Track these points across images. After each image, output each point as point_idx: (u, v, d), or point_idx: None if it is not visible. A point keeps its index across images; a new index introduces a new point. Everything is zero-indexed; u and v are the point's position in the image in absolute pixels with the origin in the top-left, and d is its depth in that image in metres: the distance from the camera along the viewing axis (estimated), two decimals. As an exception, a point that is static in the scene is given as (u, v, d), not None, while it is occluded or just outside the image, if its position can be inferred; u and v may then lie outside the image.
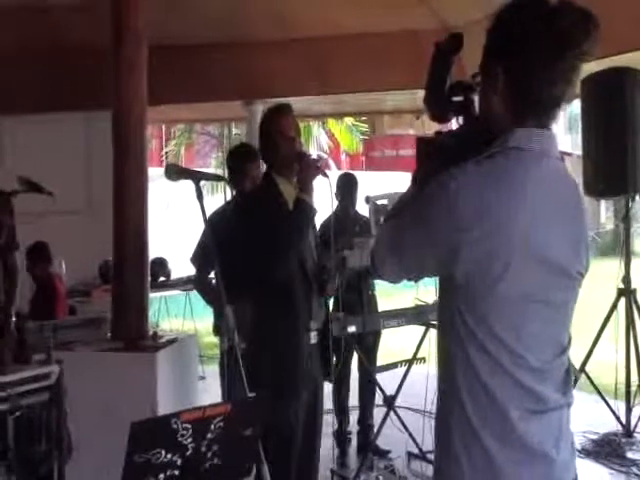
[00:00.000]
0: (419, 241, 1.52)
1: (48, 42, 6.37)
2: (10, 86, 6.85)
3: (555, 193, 1.52)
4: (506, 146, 1.49)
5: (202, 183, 2.76)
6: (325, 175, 3.04)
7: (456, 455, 1.50)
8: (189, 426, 2.08)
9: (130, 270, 4.09)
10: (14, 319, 3.78)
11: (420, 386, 4.48)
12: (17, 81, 6.82)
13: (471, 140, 1.60)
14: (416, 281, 1.74)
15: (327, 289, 3.13)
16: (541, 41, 1.44)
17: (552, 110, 1.51)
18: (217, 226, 3.16)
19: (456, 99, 1.67)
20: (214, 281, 4.12)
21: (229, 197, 4.34)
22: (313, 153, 16.42)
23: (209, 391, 5.40)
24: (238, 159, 4.12)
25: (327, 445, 3.45)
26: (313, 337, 3.08)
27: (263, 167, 3.34)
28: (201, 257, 4.11)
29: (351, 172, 6.36)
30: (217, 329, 4.16)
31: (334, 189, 4.98)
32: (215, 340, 4.38)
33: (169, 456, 2.05)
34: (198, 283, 4.36)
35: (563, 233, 1.52)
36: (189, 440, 2.09)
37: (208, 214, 2.84)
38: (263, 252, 2.90)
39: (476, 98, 1.63)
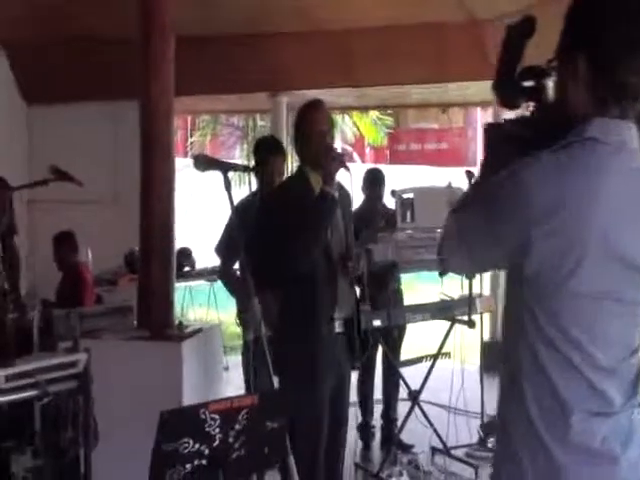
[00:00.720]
0: (490, 233, 1.47)
1: (78, 33, 6.41)
2: (40, 76, 6.92)
3: (635, 188, 1.44)
4: (584, 136, 1.42)
5: (230, 174, 2.77)
6: (347, 169, 3.06)
7: (517, 456, 1.46)
8: (217, 417, 2.09)
9: (156, 261, 4.11)
10: (39, 307, 3.82)
11: (445, 381, 4.47)
12: (47, 71, 6.89)
13: (543, 128, 1.54)
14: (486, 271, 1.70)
15: (349, 269, 3.10)
16: (626, 26, 1.38)
17: (635, 101, 1.43)
18: (242, 217, 3.18)
19: (527, 84, 1.60)
20: (238, 272, 4.14)
21: (255, 188, 4.34)
22: (338, 147, 16.40)
23: (232, 382, 5.42)
24: (264, 151, 4.12)
25: (351, 438, 3.45)
26: (338, 326, 3.08)
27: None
28: (226, 248, 4.11)
29: (378, 167, 6.33)
30: (240, 320, 4.17)
31: (361, 183, 4.99)
32: (239, 330, 4.39)
33: (197, 446, 2.06)
34: (222, 274, 4.36)
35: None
36: (217, 430, 2.10)
37: (235, 204, 2.85)
38: (288, 241, 2.91)
39: (550, 84, 1.57)
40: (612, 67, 1.39)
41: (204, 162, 2.81)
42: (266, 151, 4.11)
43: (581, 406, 1.42)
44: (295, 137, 3.22)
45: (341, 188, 3.13)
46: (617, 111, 1.42)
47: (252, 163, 4.27)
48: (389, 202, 4.87)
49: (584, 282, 1.39)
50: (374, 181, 5.05)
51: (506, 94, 1.63)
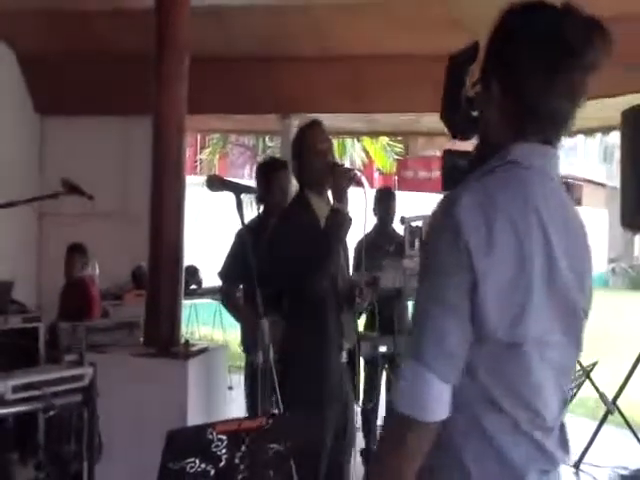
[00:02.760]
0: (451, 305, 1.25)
1: (93, 47, 6.47)
2: (55, 89, 6.98)
3: (561, 216, 1.35)
4: (506, 160, 1.34)
5: (242, 196, 2.78)
6: (360, 184, 3.00)
7: None
8: (224, 437, 2.09)
9: (165, 278, 4.12)
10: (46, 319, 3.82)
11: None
12: (61, 84, 6.94)
13: (475, 158, 1.45)
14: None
15: (356, 303, 3.07)
16: (542, 49, 1.32)
17: (555, 126, 1.37)
18: (248, 240, 3.14)
19: (475, 114, 1.48)
20: (241, 296, 4.08)
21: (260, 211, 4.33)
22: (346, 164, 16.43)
23: (236, 401, 5.40)
24: (265, 169, 4.12)
25: (354, 463, 3.42)
26: (344, 356, 3.07)
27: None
28: (229, 271, 4.01)
29: (389, 187, 6.33)
30: (245, 344, 4.12)
31: (371, 204, 5.00)
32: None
33: (203, 466, 2.06)
34: (226, 298, 4.20)
35: (571, 264, 1.33)
36: (223, 451, 2.09)
37: (239, 228, 2.84)
38: (295, 270, 2.90)
39: None
40: (525, 92, 1.34)
41: (217, 183, 2.82)
42: (268, 169, 4.10)
43: (534, 467, 1.31)
44: (295, 160, 3.15)
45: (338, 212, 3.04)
46: (538, 136, 1.36)
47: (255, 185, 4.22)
48: (398, 228, 4.88)
49: (529, 327, 1.26)
50: (385, 201, 5.06)
51: (454, 124, 1.56)
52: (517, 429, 1.29)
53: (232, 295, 4.11)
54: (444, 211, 1.29)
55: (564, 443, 1.39)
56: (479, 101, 1.43)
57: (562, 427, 1.40)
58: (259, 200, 4.07)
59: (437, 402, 1.24)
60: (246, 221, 3.93)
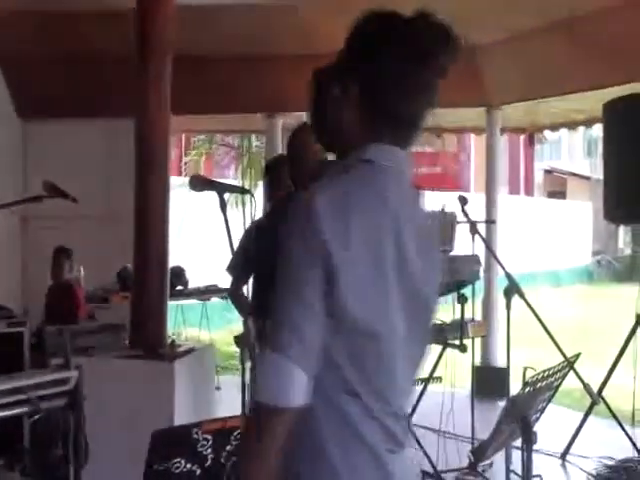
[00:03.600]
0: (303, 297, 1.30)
1: (75, 50, 6.45)
2: (36, 92, 6.95)
3: (415, 215, 1.44)
4: (361, 159, 1.40)
5: (226, 195, 2.78)
6: None
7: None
8: (210, 437, 2.09)
9: (150, 280, 4.12)
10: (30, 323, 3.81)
11: (436, 405, 4.47)
12: (43, 88, 6.91)
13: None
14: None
15: None
16: (395, 54, 1.38)
17: (408, 129, 1.43)
18: (256, 237, 3.15)
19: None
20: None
21: (252, 210, 4.32)
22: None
23: (224, 401, 5.40)
24: (277, 167, 4.12)
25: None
26: None
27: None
28: (236, 266, 4.03)
29: None
30: (240, 339, 4.11)
31: None
32: (231, 350, 4.37)
33: (189, 466, 2.06)
34: (232, 292, 4.23)
35: (422, 263, 1.41)
36: (209, 451, 2.10)
37: (246, 225, 2.84)
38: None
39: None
40: (379, 95, 1.40)
41: (200, 183, 2.82)
42: (280, 166, 4.11)
43: (381, 445, 1.39)
44: (289, 161, 3.21)
45: None
46: (391, 139, 1.41)
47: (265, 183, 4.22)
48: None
49: (386, 320, 1.34)
50: None
51: (323, 138, 1.59)
52: (371, 415, 1.36)
53: (239, 289, 4.12)
54: (301, 208, 1.33)
55: (406, 431, 1.48)
56: (336, 103, 1.46)
57: (407, 417, 1.50)
58: (268, 198, 4.07)
59: (298, 390, 1.29)
60: (254, 219, 3.98)
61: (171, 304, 6.11)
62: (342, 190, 1.34)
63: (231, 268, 4.08)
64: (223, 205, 2.74)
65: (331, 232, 1.29)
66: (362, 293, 1.30)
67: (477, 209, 5.87)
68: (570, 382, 3.48)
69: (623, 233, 24.08)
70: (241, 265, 3.92)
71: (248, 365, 2.80)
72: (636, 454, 4.91)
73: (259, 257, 2.81)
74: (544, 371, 2.53)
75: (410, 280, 1.38)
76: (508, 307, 4.36)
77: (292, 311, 1.30)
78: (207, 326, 7.30)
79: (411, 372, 1.48)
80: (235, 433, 2.15)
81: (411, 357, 1.44)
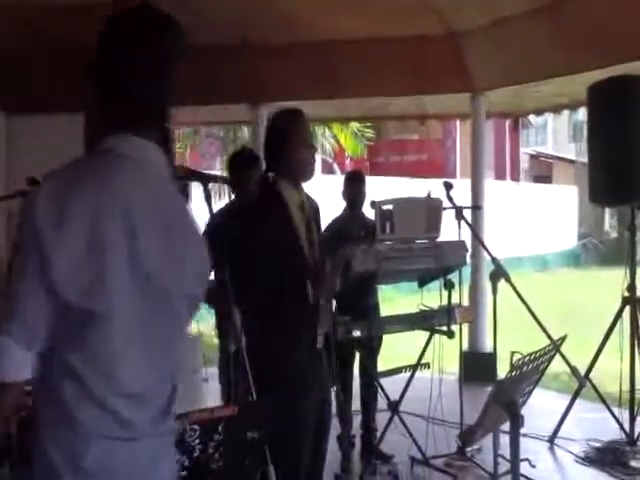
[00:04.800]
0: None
1: (58, 43, 6.38)
2: (18, 86, 6.88)
3: (160, 205, 1.49)
4: (100, 149, 1.49)
5: (209, 185, 2.77)
6: None
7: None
8: (197, 427, 2.09)
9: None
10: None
11: (424, 391, 4.49)
12: (27, 82, 6.85)
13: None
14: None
15: (316, 288, 3.02)
16: (129, 51, 1.51)
17: (148, 120, 1.53)
18: (218, 228, 3.11)
19: None
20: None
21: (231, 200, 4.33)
22: (317, 158, 16.37)
23: (211, 393, 5.40)
24: (241, 165, 4.12)
25: (330, 449, 3.44)
26: (320, 341, 3.08)
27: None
28: None
29: (358, 170, 6.29)
30: (220, 330, 4.13)
31: (341, 188, 5.00)
32: (217, 342, 4.37)
33: (177, 456, 2.06)
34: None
35: (167, 250, 1.48)
36: (197, 442, 2.10)
37: (209, 217, 2.83)
38: (270, 259, 2.90)
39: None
40: (121, 88, 1.51)
41: (184, 173, 2.80)
42: (243, 165, 4.10)
43: (102, 434, 1.41)
44: (274, 145, 3.08)
45: (309, 199, 3.10)
46: (135, 131, 1.50)
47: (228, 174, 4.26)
48: (369, 213, 4.89)
49: (105, 300, 1.39)
50: (355, 180, 5.04)
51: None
52: (90, 395, 1.40)
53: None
54: (30, 196, 1.43)
55: (164, 414, 1.51)
56: (90, 98, 1.57)
57: (170, 399, 1.54)
58: (234, 189, 4.08)
59: (15, 365, 1.38)
60: (215, 210, 3.97)
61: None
62: (64, 177, 1.45)
63: None
64: (207, 195, 2.74)
65: (44, 217, 1.37)
66: (73, 273, 1.36)
67: (463, 195, 5.88)
68: (557, 366, 3.50)
69: (609, 217, 24.21)
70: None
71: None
72: (623, 436, 4.96)
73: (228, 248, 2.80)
74: (530, 354, 2.54)
75: (145, 264, 1.43)
76: (494, 292, 4.39)
77: (17, 293, 1.38)
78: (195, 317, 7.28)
79: (164, 356, 1.51)
80: (222, 423, 2.15)
81: (154, 339, 1.48)
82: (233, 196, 4.27)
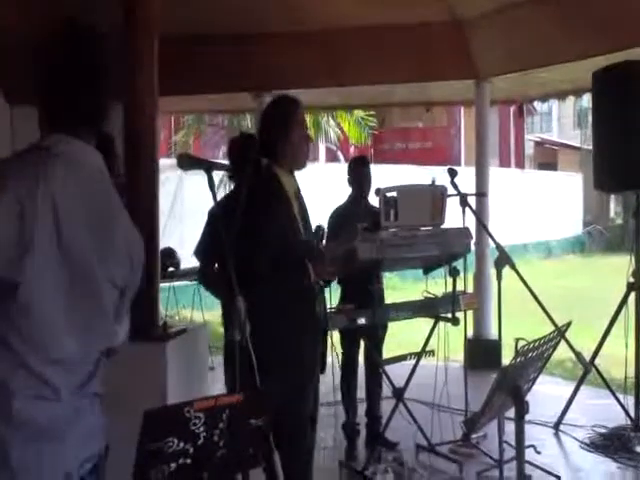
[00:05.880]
0: None
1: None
2: (22, 76, 6.88)
3: (88, 197, 1.67)
4: (36, 146, 1.67)
5: (214, 173, 2.76)
6: None
7: None
8: (201, 415, 2.08)
9: (140, 260, 4.09)
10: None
11: (429, 379, 4.50)
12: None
13: None
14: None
15: (316, 269, 3.06)
16: (56, 59, 1.74)
17: (84, 125, 1.71)
18: (221, 217, 3.11)
19: None
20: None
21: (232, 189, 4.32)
22: (321, 146, 16.32)
23: (218, 381, 5.42)
24: (242, 150, 4.10)
25: (336, 436, 3.46)
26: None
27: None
28: (204, 251, 4.08)
29: (363, 155, 6.27)
30: (224, 319, 4.13)
31: (347, 174, 5.00)
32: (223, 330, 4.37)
33: (181, 445, 2.06)
34: (203, 276, 4.24)
35: (92, 238, 1.66)
36: (201, 429, 2.09)
37: (211, 206, 2.84)
38: (270, 243, 2.91)
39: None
40: (58, 93, 1.72)
41: (188, 161, 2.79)
42: (245, 150, 4.09)
43: (24, 391, 1.57)
44: (273, 133, 3.09)
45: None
46: (73, 132, 1.70)
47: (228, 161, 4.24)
48: (374, 201, 4.87)
49: (28, 275, 1.55)
50: (360, 165, 5.03)
51: None
52: (16, 359, 1.57)
53: (209, 272, 4.13)
54: None
55: (90, 377, 1.75)
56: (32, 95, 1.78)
57: (96, 365, 1.78)
58: (231, 176, 4.08)
59: None
60: (219, 199, 3.97)
61: (163, 286, 6.11)
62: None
63: (199, 252, 4.09)
64: (212, 184, 2.72)
65: None
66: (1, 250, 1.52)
67: (468, 182, 5.86)
68: (562, 352, 3.50)
69: (614, 203, 24.13)
70: (208, 248, 3.93)
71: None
72: (629, 422, 4.96)
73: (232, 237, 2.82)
74: (535, 341, 2.53)
75: (69, 246, 1.61)
76: (499, 279, 4.38)
77: None
78: (200, 307, 7.31)
79: (84, 322, 1.67)
80: (227, 411, 2.15)
81: (81, 310, 1.66)
82: (232, 185, 4.25)
